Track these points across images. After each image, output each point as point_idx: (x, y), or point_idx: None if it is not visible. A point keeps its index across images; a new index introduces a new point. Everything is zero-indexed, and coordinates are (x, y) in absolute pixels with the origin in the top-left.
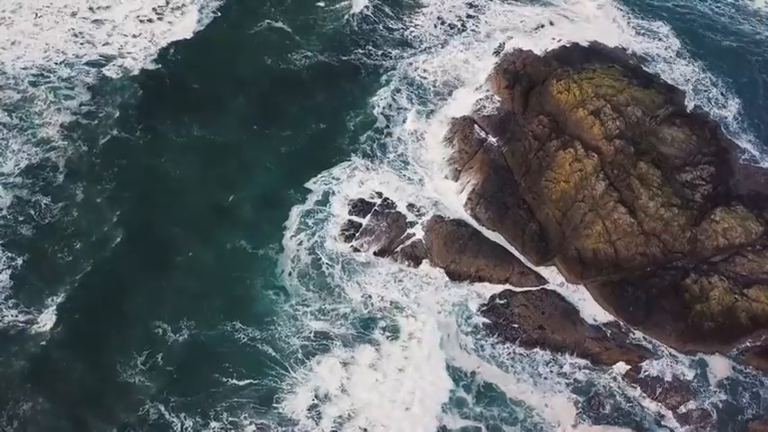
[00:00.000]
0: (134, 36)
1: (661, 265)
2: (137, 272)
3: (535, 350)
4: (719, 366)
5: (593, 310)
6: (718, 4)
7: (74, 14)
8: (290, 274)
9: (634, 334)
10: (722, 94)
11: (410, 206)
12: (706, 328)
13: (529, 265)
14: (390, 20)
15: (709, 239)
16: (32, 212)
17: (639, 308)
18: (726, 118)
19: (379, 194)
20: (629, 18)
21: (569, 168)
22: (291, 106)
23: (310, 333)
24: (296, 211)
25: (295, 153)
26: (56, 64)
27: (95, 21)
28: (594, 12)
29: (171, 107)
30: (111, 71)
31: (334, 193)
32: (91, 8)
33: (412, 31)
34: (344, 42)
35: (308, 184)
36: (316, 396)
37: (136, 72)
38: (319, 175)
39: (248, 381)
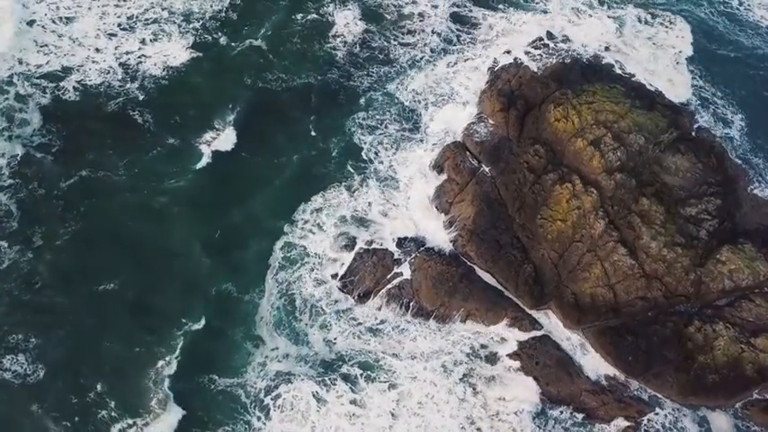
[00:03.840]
0: (97, 50)
1: (663, 310)
2: (109, 322)
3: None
4: (723, 422)
5: (590, 360)
6: (714, 12)
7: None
8: (264, 320)
9: (634, 385)
10: (726, 113)
11: (397, 242)
12: (710, 380)
13: (523, 307)
14: (376, 35)
15: (714, 282)
16: None
17: (639, 357)
18: (731, 140)
19: (365, 228)
20: (631, 26)
21: (566, 206)
22: (274, 132)
23: (278, 379)
24: (278, 247)
25: (277, 183)
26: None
27: (59, 35)
28: (595, 22)
29: (138, 137)
30: (69, 92)
31: (317, 227)
32: (53, 20)
33: (399, 47)
34: (329, 62)
35: (291, 218)
36: None
37: (98, 94)
38: (302, 208)
39: None
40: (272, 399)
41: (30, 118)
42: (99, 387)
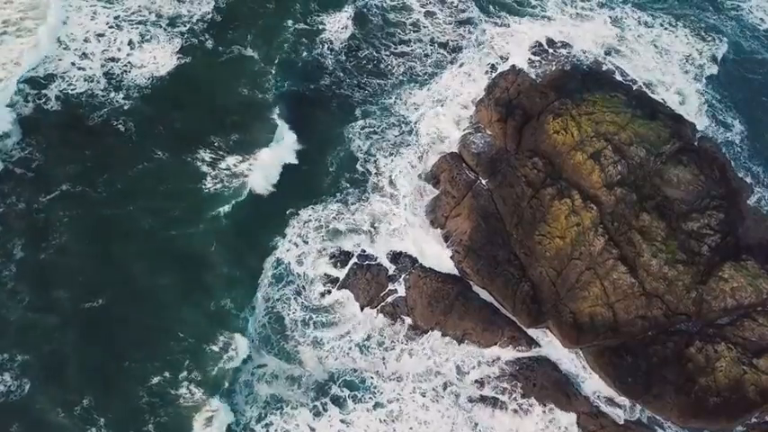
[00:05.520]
0: (84, 55)
1: (663, 329)
2: (94, 339)
3: None
4: None
5: (588, 381)
6: (717, 14)
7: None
8: (250, 336)
9: (633, 407)
10: (727, 118)
11: (391, 257)
12: (711, 403)
13: (520, 326)
14: (371, 45)
15: (716, 300)
16: None
17: (639, 378)
18: (733, 146)
19: (359, 243)
20: (633, 31)
21: (565, 222)
22: (267, 143)
23: (268, 407)
24: (268, 263)
25: (269, 196)
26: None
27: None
28: (596, 26)
29: (122, 150)
30: (52, 101)
31: (309, 241)
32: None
33: (395, 56)
34: (324, 71)
35: (282, 232)
36: None
37: (81, 104)
38: (294, 222)
39: None
40: (263, 427)
41: (10, 130)
42: (86, 403)
